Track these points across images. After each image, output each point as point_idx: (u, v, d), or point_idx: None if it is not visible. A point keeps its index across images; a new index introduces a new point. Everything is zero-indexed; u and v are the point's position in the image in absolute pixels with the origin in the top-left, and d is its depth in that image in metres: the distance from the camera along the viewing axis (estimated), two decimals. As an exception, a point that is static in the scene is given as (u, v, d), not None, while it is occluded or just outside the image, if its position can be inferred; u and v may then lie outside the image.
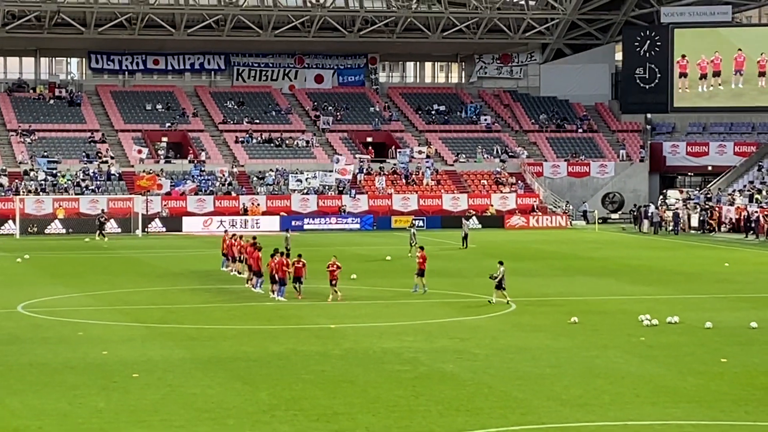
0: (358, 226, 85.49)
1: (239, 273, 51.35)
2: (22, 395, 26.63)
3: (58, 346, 33.22)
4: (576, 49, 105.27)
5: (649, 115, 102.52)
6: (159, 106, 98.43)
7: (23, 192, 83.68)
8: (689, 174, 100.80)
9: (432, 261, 59.06)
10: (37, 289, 47.37)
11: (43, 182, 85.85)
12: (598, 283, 50.15)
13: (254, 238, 51.57)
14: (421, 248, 47.06)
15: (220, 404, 25.80)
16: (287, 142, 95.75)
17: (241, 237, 53.89)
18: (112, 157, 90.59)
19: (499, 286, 41.97)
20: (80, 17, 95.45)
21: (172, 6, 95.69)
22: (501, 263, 42.37)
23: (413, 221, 79.48)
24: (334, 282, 43.17)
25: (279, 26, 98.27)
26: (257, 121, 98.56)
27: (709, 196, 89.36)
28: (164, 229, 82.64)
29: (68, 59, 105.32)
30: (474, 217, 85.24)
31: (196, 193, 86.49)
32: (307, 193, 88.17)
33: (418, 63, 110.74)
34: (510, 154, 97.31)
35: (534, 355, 31.76)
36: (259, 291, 45.55)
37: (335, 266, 43.18)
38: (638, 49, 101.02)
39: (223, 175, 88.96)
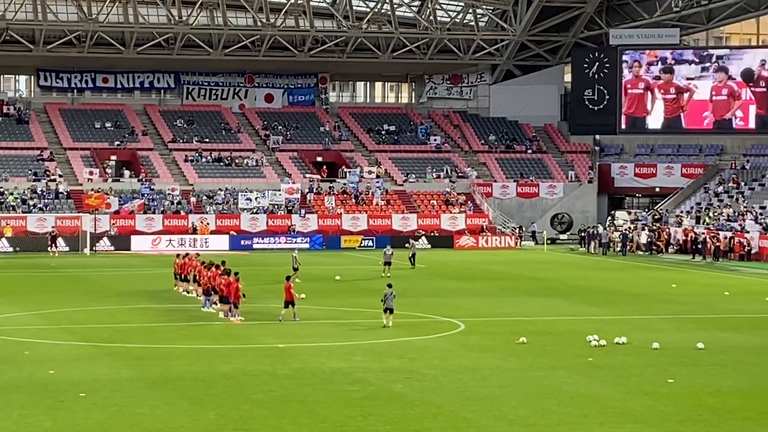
0: (307, 245, 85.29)
1: (188, 292, 51.19)
2: (-33, 415, 26.38)
3: (4, 365, 32.91)
4: (525, 70, 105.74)
5: (597, 137, 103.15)
6: (108, 125, 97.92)
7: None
8: (637, 195, 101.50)
9: (382, 281, 59.23)
10: (-17, 307, 46.93)
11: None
12: (546, 304, 50.29)
13: (198, 255, 51.80)
14: (287, 278, 43.60)
15: (167, 424, 25.65)
16: (237, 161, 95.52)
17: (188, 255, 53.72)
18: (60, 176, 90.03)
19: (389, 310, 41.49)
20: (29, 34, 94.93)
21: (122, 24, 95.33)
22: (389, 285, 42.10)
23: (388, 244, 73.12)
24: (236, 302, 42.61)
25: (229, 45, 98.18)
26: (207, 140, 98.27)
27: (656, 217, 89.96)
28: (113, 248, 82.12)
29: (16, 76, 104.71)
30: (423, 237, 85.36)
31: (145, 212, 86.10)
32: (256, 213, 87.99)
33: (368, 83, 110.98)
34: (459, 174, 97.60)
35: (482, 376, 31.80)
36: (209, 310, 45.33)
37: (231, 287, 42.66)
38: (587, 70, 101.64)
39: (172, 194, 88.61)
